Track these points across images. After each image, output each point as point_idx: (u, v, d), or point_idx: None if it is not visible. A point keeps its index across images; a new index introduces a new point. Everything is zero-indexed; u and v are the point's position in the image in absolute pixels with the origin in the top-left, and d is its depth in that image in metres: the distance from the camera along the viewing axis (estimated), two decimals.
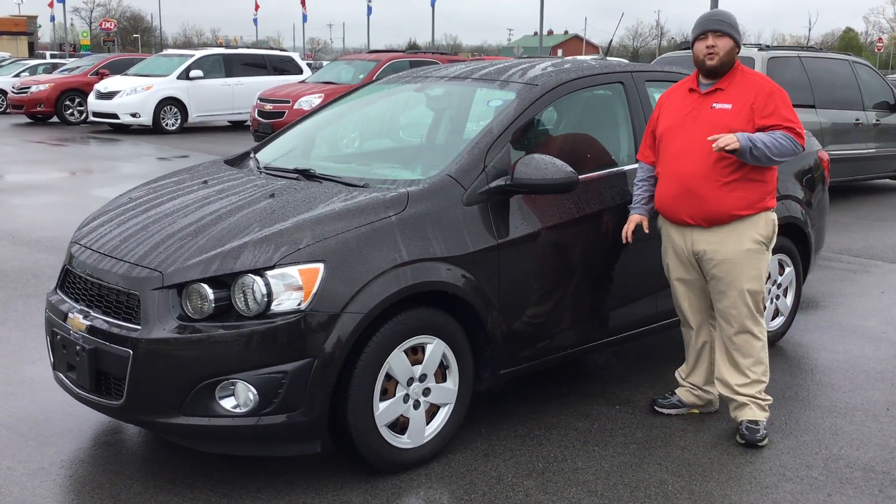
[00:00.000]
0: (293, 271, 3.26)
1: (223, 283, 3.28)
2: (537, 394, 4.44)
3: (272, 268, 3.26)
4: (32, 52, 61.80)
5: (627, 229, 4.11)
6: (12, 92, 21.60)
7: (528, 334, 3.97)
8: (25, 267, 6.93)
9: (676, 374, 4.35)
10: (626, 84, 4.54)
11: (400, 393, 3.53)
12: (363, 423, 3.40)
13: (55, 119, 21.10)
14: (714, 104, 3.85)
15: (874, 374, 4.84)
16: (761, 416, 3.99)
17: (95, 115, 19.05)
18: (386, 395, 3.49)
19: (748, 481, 3.59)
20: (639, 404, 4.36)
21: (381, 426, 3.47)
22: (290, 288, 3.25)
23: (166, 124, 18.86)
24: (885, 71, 31.90)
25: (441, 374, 3.69)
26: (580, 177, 4.04)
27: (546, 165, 3.74)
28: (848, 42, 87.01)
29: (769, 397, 4.06)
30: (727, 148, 3.64)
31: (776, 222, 3.98)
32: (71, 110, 20.92)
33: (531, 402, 4.34)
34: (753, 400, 3.98)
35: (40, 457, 3.67)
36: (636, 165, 4.39)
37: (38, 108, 20.69)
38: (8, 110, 22.67)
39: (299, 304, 3.25)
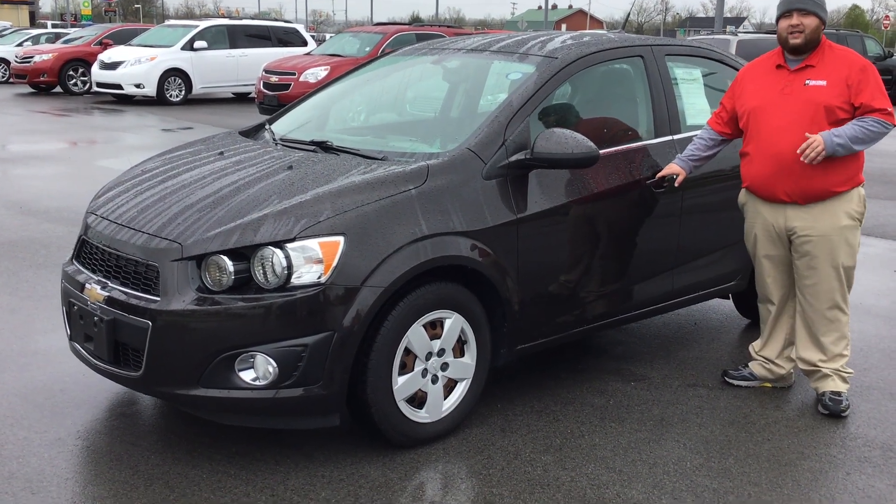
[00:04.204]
0: (313, 244, 3.24)
1: (243, 255, 3.26)
2: (552, 370, 4.43)
3: (292, 240, 3.23)
4: (34, 22, 61.37)
5: (660, 174, 4.16)
6: (15, 61, 21.45)
7: (546, 310, 3.95)
8: (34, 237, 6.91)
9: (750, 348, 4.41)
10: (645, 58, 4.48)
11: (418, 367, 3.51)
12: (382, 398, 3.38)
13: (58, 89, 20.97)
14: (807, 81, 3.84)
15: (890, 353, 4.82)
16: (843, 387, 4.05)
17: (99, 85, 18.93)
18: (404, 369, 3.48)
19: (766, 459, 3.58)
20: (654, 381, 4.35)
21: (399, 400, 3.45)
22: (310, 261, 3.23)
23: (170, 95, 18.74)
24: (890, 48, 31.67)
25: (459, 349, 3.67)
26: (602, 151, 4.02)
27: (567, 140, 3.70)
28: (854, 19, 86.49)
29: (851, 370, 4.12)
30: (816, 154, 3.68)
31: (865, 197, 4.01)
32: (74, 80, 20.79)
33: (546, 378, 4.33)
34: (836, 372, 4.04)
35: (57, 427, 3.66)
36: (656, 140, 4.37)
37: (42, 78, 20.55)
38: (11, 80, 22.50)
39: (319, 278, 3.22)
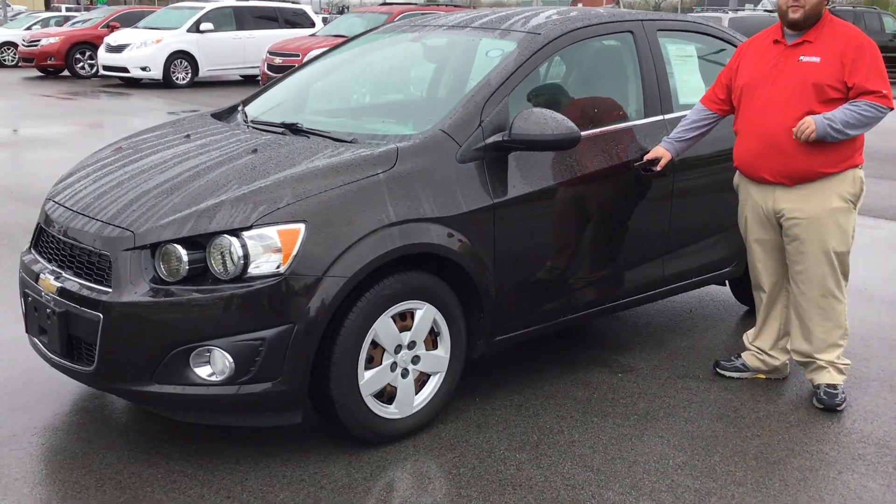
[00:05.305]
0: (272, 232, 3.07)
1: (198, 244, 3.10)
2: (536, 361, 4.25)
3: (249, 228, 3.06)
4: (49, 6, 61.35)
5: (646, 157, 3.96)
6: (23, 45, 21.36)
7: (526, 300, 3.77)
8: (20, 223, 6.77)
9: (744, 338, 4.22)
10: (636, 34, 4.26)
11: (387, 361, 3.35)
12: (346, 393, 3.22)
13: (66, 73, 20.86)
14: (801, 57, 3.64)
15: (891, 342, 4.61)
16: (840, 379, 3.86)
17: (106, 68, 18.80)
18: (372, 363, 3.31)
19: (754, 456, 3.39)
20: (642, 372, 4.16)
21: (366, 396, 3.29)
22: (268, 250, 3.06)
23: (177, 78, 18.58)
24: None
25: (432, 342, 3.50)
26: (585, 132, 3.83)
27: (546, 120, 3.51)
28: None
29: (848, 361, 3.91)
30: (806, 137, 3.52)
31: (864, 179, 3.77)
32: (82, 64, 20.65)
33: (529, 370, 4.15)
34: (832, 363, 3.84)
35: (13, 424, 3.53)
36: (645, 120, 4.18)
37: (49, 62, 20.43)
38: (19, 63, 22.42)
39: (278, 267, 3.06)
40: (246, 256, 3.04)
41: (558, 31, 3.99)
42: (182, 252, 3.07)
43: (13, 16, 31.64)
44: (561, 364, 4.24)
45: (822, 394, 3.83)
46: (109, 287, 3.12)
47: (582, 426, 3.61)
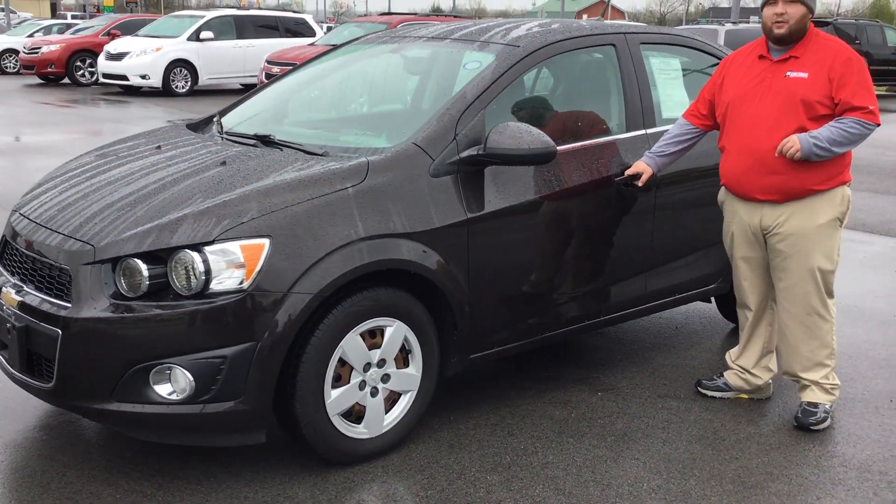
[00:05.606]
0: (234, 247, 2.99)
1: (160, 258, 3.02)
2: (515, 378, 4.17)
3: (211, 243, 2.99)
4: (55, 13, 61.55)
5: (627, 172, 3.88)
6: (23, 52, 21.38)
7: (503, 317, 3.69)
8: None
9: (727, 356, 4.12)
10: (618, 47, 4.19)
11: (355, 379, 3.27)
12: (312, 413, 3.14)
13: (67, 80, 20.86)
14: (788, 72, 3.56)
15: (879, 361, 4.52)
16: (823, 398, 3.76)
17: (105, 76, 18.79)
18: (340, 381, 3.23)
19: (731, 480, 3.31)
20: (622, 391, 4.08)
21: (332, 415, 3.21)
22: (231, 265, 2.98)
23: (176, 87, 18.56)
24: None
25: (403, 359, 3.42)
26: (564, 147, 3.78)
27: (521, 134, 3.44)
28: (879, 10, 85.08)
29: (837, 381, 3.81)
30: (791, 155, 3.45)
31: (850, 198, 3.70)
32: (82, 71, 20.64)
33: (508, 387, 4.07)
34: (816, 383, 3.76)
35: None
36: (627, 135, 4.10)
37: (49, 69, 20.44)
38: (21, 71, 22.43)
39: (241, 283, 2.98)
40: (208, 272, 2.96)
41: (538, 43, 3.92)
42: (143, 267, 2.99)
43: (18, 23, 31.70)
44: (541, 382, 4.15)
45: (799, 412, 3.76)
46: (69, 302, 3.05)
47: (557, 447, 3.53)
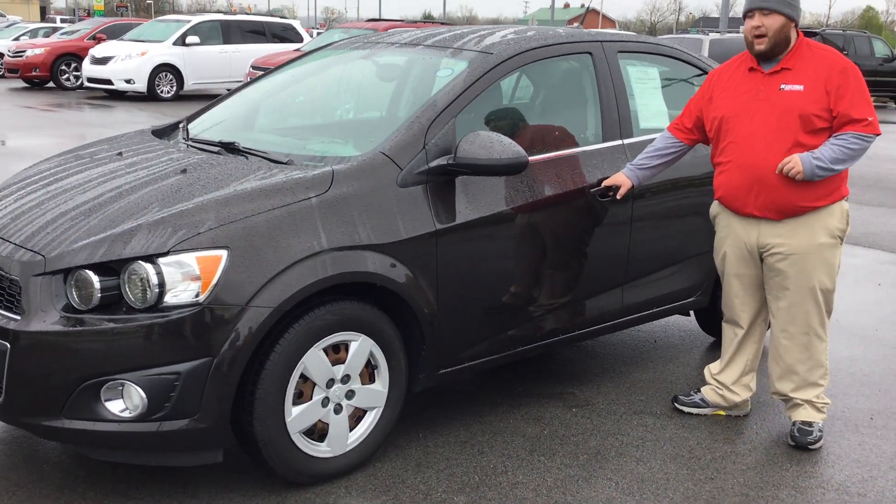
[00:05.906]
0: (190, 259, 2.88)
1: (113, 270, 2.91)
2: (488, 393, 4.07)
3: (166, 254, 2.88)
4: (44, 17, 61.29)
5: (605, 182, 3.79)
6: (8, 55, 21.20)
7: (472, 331, 3.58)
8: None
9: (706, 371, 4.01)
10: (594, 55, 4.10)
11: (318, 396, 3.16)
12: (272, 430, 3.03)
13: (51, 84, 20.69)
14: (783, 85, 3.45)
15: (861, 378, 4.43)
16: (817, 417, 3.68)
17: (90, 80, 18.65)
18: (301, 398, 3.12)
19: (706, 501, 3.21)
20: (597, 407, 3.98)
21: (293, 433, 3.10)
22: (186, 278, 2.87)
23: (161, 91, 18.42)
24: None
25: (369, 375, 3.31)
26: (537, 157, 3.68)
27: (492, 143, 3.34)
28: (868, 21, 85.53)
29: (827, 400, 3.73)
30: (792, 176, 3.37)
31: (849, 213, 3.61)
32: (67, 75, 20.49)
33: (480, 403, 3.96)
34: (808, 402, 3.68)
35: None
36: (603, 145, 4.01)
37: (34, 73, 20.26)
38: (5, 74, 22.23)
39: (196, 297, 2.87)
40: (161, 284, 2.85)
41: (511, 50, 3.83)
42: (95, 279, 2.88)
43: (6, 26, 31.47)
44: (514, 397, 4.05)
45: (795, 431, 3.67)
46: (19, 314, 2.93)
47: (528, 466, 3.42)
